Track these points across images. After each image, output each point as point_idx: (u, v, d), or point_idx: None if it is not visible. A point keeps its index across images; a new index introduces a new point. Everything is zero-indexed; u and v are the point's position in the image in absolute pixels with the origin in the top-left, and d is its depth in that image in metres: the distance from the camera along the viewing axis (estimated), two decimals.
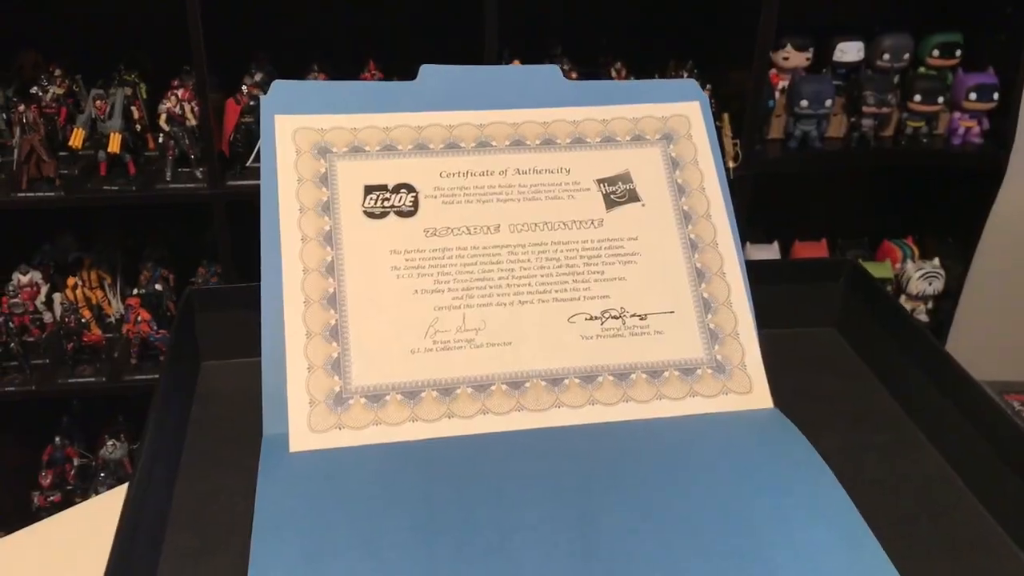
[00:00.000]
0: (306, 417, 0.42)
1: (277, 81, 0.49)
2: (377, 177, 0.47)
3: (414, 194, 0.47)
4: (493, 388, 0.44)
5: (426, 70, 0.50)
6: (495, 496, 0.40)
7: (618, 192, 0.49)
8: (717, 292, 0.48)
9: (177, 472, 0.46)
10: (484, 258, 0.47)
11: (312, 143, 0.47)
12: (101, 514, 0.46)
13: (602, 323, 0.46)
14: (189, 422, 0.50)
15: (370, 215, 0.47)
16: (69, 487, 1.48)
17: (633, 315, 0.47)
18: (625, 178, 0.50)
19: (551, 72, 0.51)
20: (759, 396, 0.47)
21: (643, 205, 0.49)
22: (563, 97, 0.51)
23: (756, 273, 0.49)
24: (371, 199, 0.47)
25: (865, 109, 1.44)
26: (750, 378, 0.47)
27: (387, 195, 0.47)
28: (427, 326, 0.45)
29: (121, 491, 0.47)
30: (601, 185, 0.49)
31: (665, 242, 0.49)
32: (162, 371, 0.47)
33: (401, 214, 0.47)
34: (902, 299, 1.62)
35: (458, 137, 0.49)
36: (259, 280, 0.45)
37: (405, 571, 0.36)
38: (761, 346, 0.47)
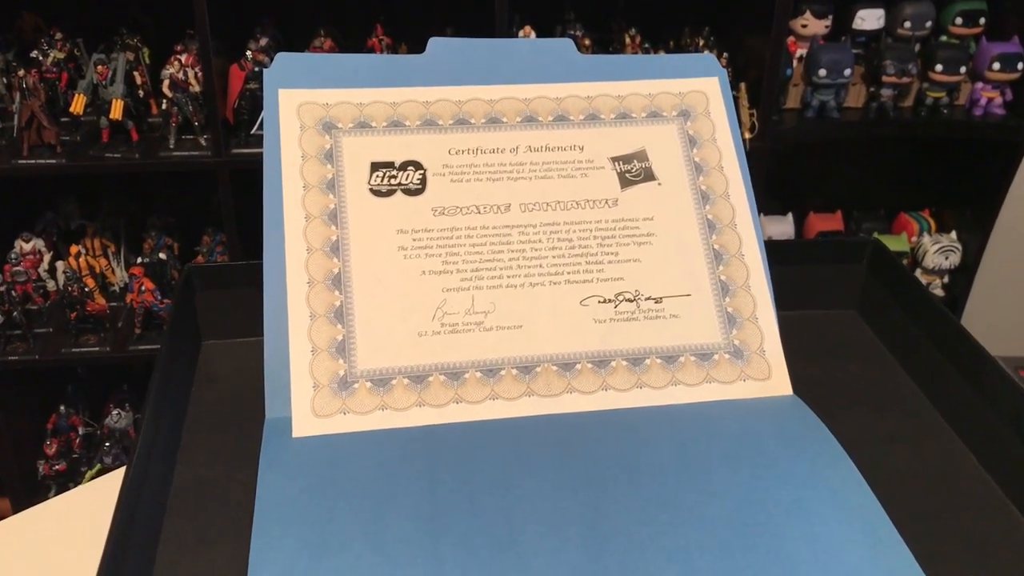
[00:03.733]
0: (310, 401, 0.41)
1: (281, 54, 0.47)
2: (384, 154, 0.46)
3: (422, 171, 0.46)
4: (503, 373, 0.43)
5: (435, 43, 0.48)
6: (503, 485, 0.39)
7: (633, 171, 0.48)
8: (735, 275, 0.46)
9: (176, 457, 0.45)
10: (494, 238, 0.45)
11: (317, 118, 0.46)
12: (103, 496, 0.45)
13: (616, 306, 0.45)
14: (189, 404, 0.49)
15: (376, 193, 0.45)
16: (75, 455, 1.48)
17: (648, 298, 0.45)
18: (641, 156, 0.48)
19: (564, 45, 0.49)
20: (778, 382, 0.45)
21: (659, 184, 0.47)
22: (577, 72, 0.49)
23: (775, 254, 0.48)
24: (377, 176, 0.45)
25: (885, 79, 1.41)
26: (769, 364, 0.45)
27: (394, 172, 0.46)
28: (435, 308, 0.43)
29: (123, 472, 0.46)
30: (616, 163, 0.48)
31: (682, 222, 0.47)
32: (161, 351, 0.45)
33: (408, 192, 0.45)
34: (917, 273, 1.61)
35: (468, 113, 0.47)
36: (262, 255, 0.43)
37: (410, 565, 0.35)
38: (780, 329, 0.46)
